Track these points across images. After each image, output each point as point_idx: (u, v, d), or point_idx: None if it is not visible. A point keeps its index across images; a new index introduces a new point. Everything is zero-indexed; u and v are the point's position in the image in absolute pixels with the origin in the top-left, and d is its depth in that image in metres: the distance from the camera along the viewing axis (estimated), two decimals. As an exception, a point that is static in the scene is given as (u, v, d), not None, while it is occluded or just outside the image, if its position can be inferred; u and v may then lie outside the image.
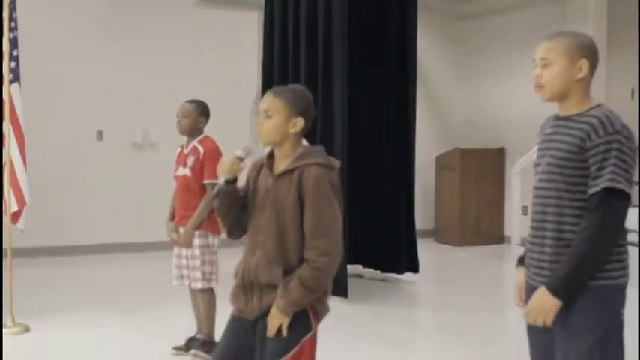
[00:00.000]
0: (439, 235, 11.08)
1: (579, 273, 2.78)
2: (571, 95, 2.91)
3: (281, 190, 3.05)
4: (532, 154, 9.45)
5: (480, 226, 10.84)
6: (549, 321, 2.82)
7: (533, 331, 3.03)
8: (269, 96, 3.11)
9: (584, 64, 2.88)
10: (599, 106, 2.89)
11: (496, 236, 10.87)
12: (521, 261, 3.15)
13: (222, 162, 3.18)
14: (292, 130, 3.09)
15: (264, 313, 3.05)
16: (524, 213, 9.85)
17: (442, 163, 11.04)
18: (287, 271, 3.03)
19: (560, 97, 2.93)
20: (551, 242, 2.89)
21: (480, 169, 10.86)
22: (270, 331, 3.02)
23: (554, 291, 2.79)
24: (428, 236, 10.84)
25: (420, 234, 8.59)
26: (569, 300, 2.79)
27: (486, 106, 11.32)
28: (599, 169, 2.76)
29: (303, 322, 3.08)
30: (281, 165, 3.12)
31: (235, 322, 3.17)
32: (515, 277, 3.17)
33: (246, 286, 3.13)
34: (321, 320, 3.21)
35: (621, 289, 2.86)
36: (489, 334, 6.26)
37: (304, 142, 3.20)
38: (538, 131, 3.10)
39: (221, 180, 3.15)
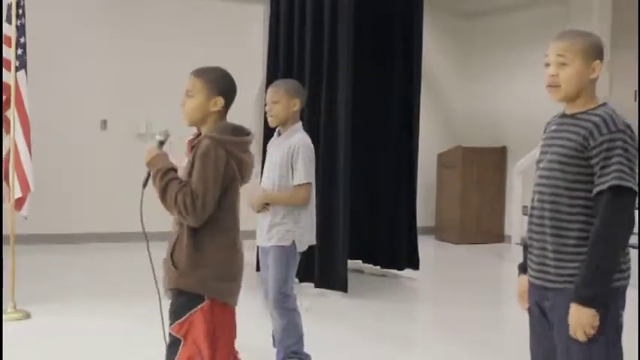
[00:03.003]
0: (439, 232, 11.10)
1: (600, 275, 2.75)
2: (582, 95, 2.91)
3: (189, 161, 3.19)
4: (534, 154, 9.47)
5: (481, 225, 10.85)
6: (591, 332, 2.77)
7: (535, 330, 3.06)
8: (191, 77, 3.28)
9: (597, 65, 2.89)
10: (604, 105, 2.90)
11: (496, 235, 10.89)
12: (522, 268, 3.17)
13: (148, 151, 3.27)
14: (213, 109, 3.24)
15: (170, 288, 3.25)
16: (525, 213, 9.86)
17: (444, 161, 11.06)
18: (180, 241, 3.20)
19: (573, 98, 2.92)
20: (551, 240, 2.89)
21: (482, 168, 10.88)
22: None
23: (583, 301, 2.76)
24: (428, 233, 10.86)
25: (420, 231, 8.61)
26: (602, 304, 2.76)
27: (489, 105, 11.34)
28: (604, 167, 2.75)
29: (193, 299, 3.17)
30: None
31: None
32: (519, 283, 3.19)
33: None
34: (227, 301, 3.26)
35: (620, 292, 2.85)
36: (488, 331, 6.28)
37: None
38: (541, 130, 3.12)
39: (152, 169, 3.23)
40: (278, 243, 4.57)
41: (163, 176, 3.15)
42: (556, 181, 2.89)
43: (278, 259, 4.59)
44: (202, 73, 3.27)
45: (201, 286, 3.18)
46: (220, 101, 3.25)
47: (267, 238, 4.61)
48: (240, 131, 3.30)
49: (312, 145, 4.65)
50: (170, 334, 3.21)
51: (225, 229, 3.22)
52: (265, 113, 4.74)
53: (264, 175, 4.74)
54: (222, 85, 3.27)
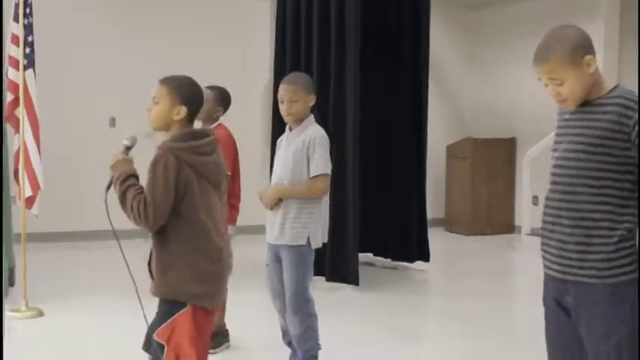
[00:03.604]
0: (449, 224, 11.10)
1: None
2: (592, 89, 2.84)
3: None
4: (543, 144, 9.46)
5: (491, 216, 10.84)
6: None
7: (552, 323, 3.01)
8: (158, 84, 3.33)
9: (589, 60, 2.81)
10: (618, 86, 2.85)
11: (507, 226, 10.88)
12: None
13: (114, 155, 3.38)
14: (176, 117, 3.27)
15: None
16: (535, 203, 9.86)
17: (453, 152, 11.05)
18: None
19: (586, 97, 2.85)
20: (571, 232, 2.82)
21: (491, 159, 10.86)
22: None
23: None
24: (438, 225, 10.86)
25: (430, 223, 8.61)
26: None
27: (498, 96, 11.31)
28: None
29: (175, 304, 3.23)
30: None
31: None
32: None
33: None
34: (203, 304, 3.27)
35: (633, 280, 2.79)
36: (500, 322, 6.29)
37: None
38: (550, 121, 3.08)
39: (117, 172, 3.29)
40: (292, 242, 4.39)
41: (123, 182, 3.21)
42: (572, 171, 2.83)
43: (295, 262, 4.41)
44: (168, 81, 3.33)
45: (174, 291, 3.23)
46: (183, 110, 3.26)
47: (280, 236, 4.42)
48: (198, 135, 3.30)
49: (327, 136, 4.51)
50: (156, 341, 3.25)
51: (187, 235, 3.21)
52: (275, 109, 4.67)
53: (275, 170, 4.60)
54: (186, 93, 3.30)
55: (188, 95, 3.30)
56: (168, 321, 3.22)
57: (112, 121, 9.66)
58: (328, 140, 4.52)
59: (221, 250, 3.32)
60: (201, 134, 3.31)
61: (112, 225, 3.45)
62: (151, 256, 3.31)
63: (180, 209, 3.17)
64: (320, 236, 4.51)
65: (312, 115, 4.56)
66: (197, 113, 3.35)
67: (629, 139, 2.74)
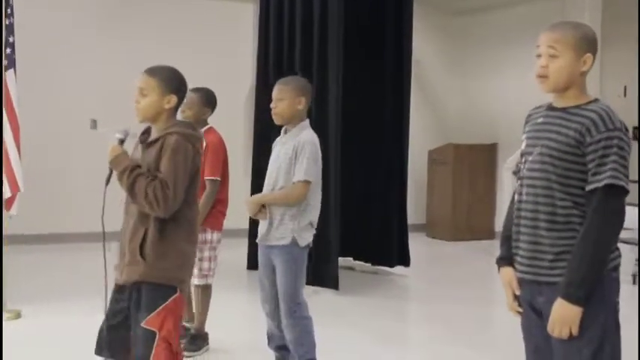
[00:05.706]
0: (431, 229, 11.11)
1: (593, 274, 2.74)
2: (572, 88, 2.88)
3: (150, 156, 3.35)
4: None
5: (472, 221, 10.87)
6: (575, 330, 2.76)
7: (526, 330, 3.03)
8: (144, 75, 3.45)
9: (588, 58, 2.86)
10: (596, 101, 2.87)
11: (487, 231, 10.90)
12: (504, 260, 3.07)
13: (112, 149, 3.46)
14: (167, 106, 3.40)
15: (133, 282, 3.33)
16: (516, 209, 9.87)
17: (435, 158, 11.07)
18: (147, 233, 3.29)
19: (563, 90, 2.89)
20: (547, 234, 2.85)
21: (473, 164, 10.90)
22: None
23: (575, 299, 2.74)
24: (419, 231, 10.86)
25: (411, 228, 8.62)
26: (586, 301, 2.74)
27: (480, 102, 11.35)
28: (600, 165, 2.73)
29: (164, 290, 3.29)
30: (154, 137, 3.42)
31: (115, 288, 3.50)
32: (504, 278, 3.06)
33: (121, 251, 3.46)
34: (185, 289, 3.41)
35: (613, 279, 2.82)
36: (479, 328, 6.30)
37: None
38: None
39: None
40: (278, 242, 4.41)
41: (130, 173, 3.28)
42: (548, 175, 2.85)
43: (285, 265, 4.42)
44: (155, 72, 3.43)
45: (166, 276, 3.29)
46: (174, 99, 3.39)
47: (268, 236, 4.46)
48: (195, 127, 3.50)
49: (318, 144, 4.50)
50: (144, 329, 3.26)
51: (187, 221, 3.35)
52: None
53: (268, 171, 4.59)
54: (175, 83, 3.42)
55: (177, 84, 3.42)
56: (160, 307, 3.26)
57: (93, 123, 9.60)
58: (318, 147, 4.50)
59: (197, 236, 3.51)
60: (194, 127, 3.51)
61: (102, 222, 3.51)
62: (144, 239, 3.30)
63: (187, 195, 3.29)
64: (309, 235, 4.51)
65: (307, 120, 4.55)
66: (183, 101, 3.48)
67: (583, 154, 2.78)
